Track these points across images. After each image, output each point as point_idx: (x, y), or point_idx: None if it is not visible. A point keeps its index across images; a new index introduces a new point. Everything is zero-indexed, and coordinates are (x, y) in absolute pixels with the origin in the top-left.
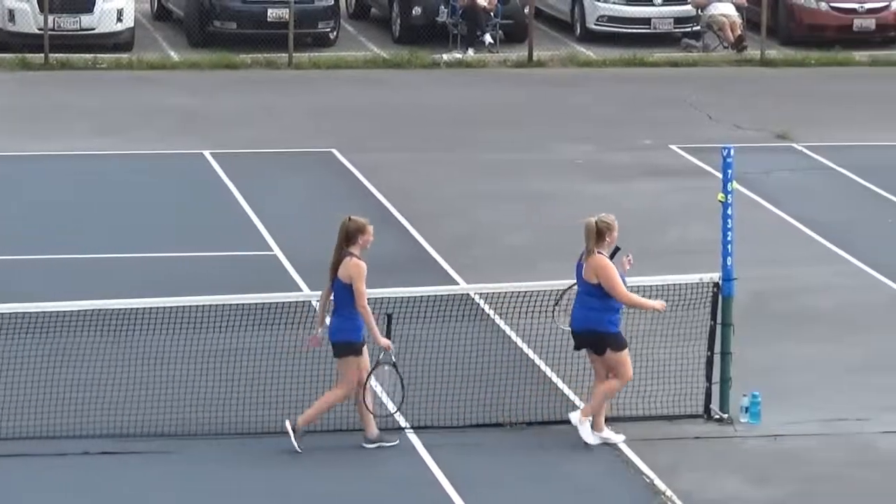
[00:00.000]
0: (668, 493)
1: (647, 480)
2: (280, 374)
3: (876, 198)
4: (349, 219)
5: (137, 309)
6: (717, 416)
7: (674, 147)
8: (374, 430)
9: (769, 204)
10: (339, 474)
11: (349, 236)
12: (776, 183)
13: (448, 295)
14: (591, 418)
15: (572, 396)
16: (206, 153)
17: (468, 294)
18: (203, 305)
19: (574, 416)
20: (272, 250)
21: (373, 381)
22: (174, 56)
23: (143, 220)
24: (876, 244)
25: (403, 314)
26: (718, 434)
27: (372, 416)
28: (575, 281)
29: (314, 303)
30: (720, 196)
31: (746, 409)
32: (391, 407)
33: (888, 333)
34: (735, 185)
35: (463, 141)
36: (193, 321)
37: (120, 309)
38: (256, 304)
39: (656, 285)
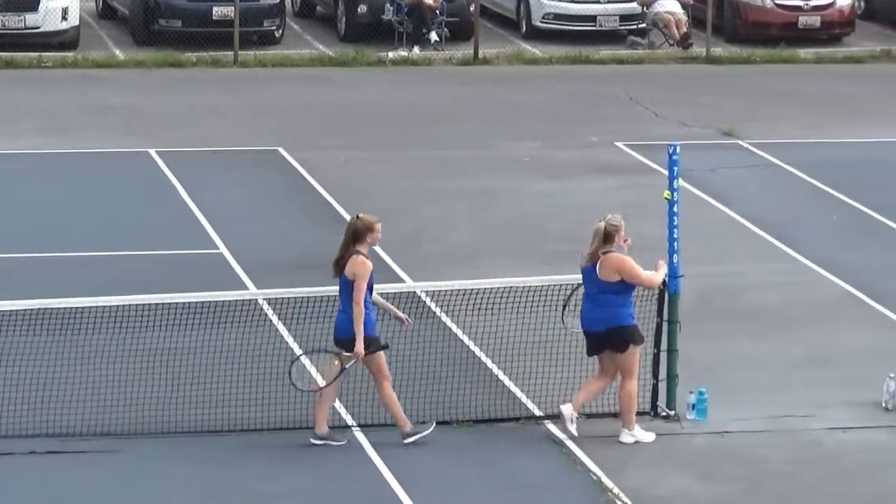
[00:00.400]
0: (616, 490)
1: (595, 478)
2: (225, 372)
3: (821, 194)
4: (357, 217)
5: (84, 308)
6: (664, 413)
7: (620, 144)
8: (324, 428)
9: (715, 201)
10: (284, 472)
11: (357, 235)
12: (722, 180)
13: (395, 292)
14: (634, 427)
15: (519, 394)
16: (152, 151)
17: (415, 292)
18: (149, 304)
19: (625, 438)
20: (218, 248)
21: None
22: (119, 54)
23: (88, 219)
24: (821, 241)
25: None
26: (665, 431)
27: (325, 413)
28: (580, 282)
29: (261, 301)
30: (666, 193)
31: (693, 406)
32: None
33: (833, 330)
34: (680, 181)
35: (409, 139)
36: (139, 320)
37: (66, 308)
38: (202, 302)
39: None
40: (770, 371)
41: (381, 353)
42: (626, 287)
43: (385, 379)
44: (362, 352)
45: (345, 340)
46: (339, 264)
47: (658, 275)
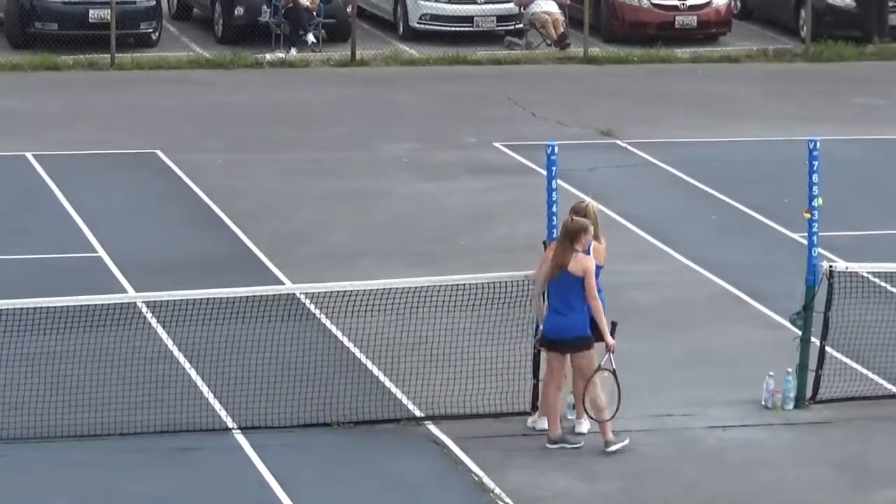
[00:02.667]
0: (497, 490)
1: (476, 478)
2: (104, 376)
3: (699, 194)
4: (571, 220)
5: None
6: None
7: (498, 145)
8: (557, 431)
9: (594, 201)
10: (165, 475)
11: (573, 237)
12: (601, 180)
13: (273, 295)
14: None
15: (399, 395)
16: (29, 155)
17: (294, 294)
18: (27, 308)
19: (582, 426)
20: (96, 252)
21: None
22: None
23: None
24: (700, 240)
25: (229, 314)
26: (546, 431)
27: (559, 416)
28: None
29: (140, 304)
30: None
31: (573, 406)
32: (606, 414)
33: (713, 329)
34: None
35: (287, 141)
36: (17, 323)
37: None
38: (81, 305)
39: (481, 283)
40: (650, 370)
41: (591, 357)
42: None
43: (583, 378)
44: (613, 341)
45: (569, 340)
46: (560, 264)
47: None
